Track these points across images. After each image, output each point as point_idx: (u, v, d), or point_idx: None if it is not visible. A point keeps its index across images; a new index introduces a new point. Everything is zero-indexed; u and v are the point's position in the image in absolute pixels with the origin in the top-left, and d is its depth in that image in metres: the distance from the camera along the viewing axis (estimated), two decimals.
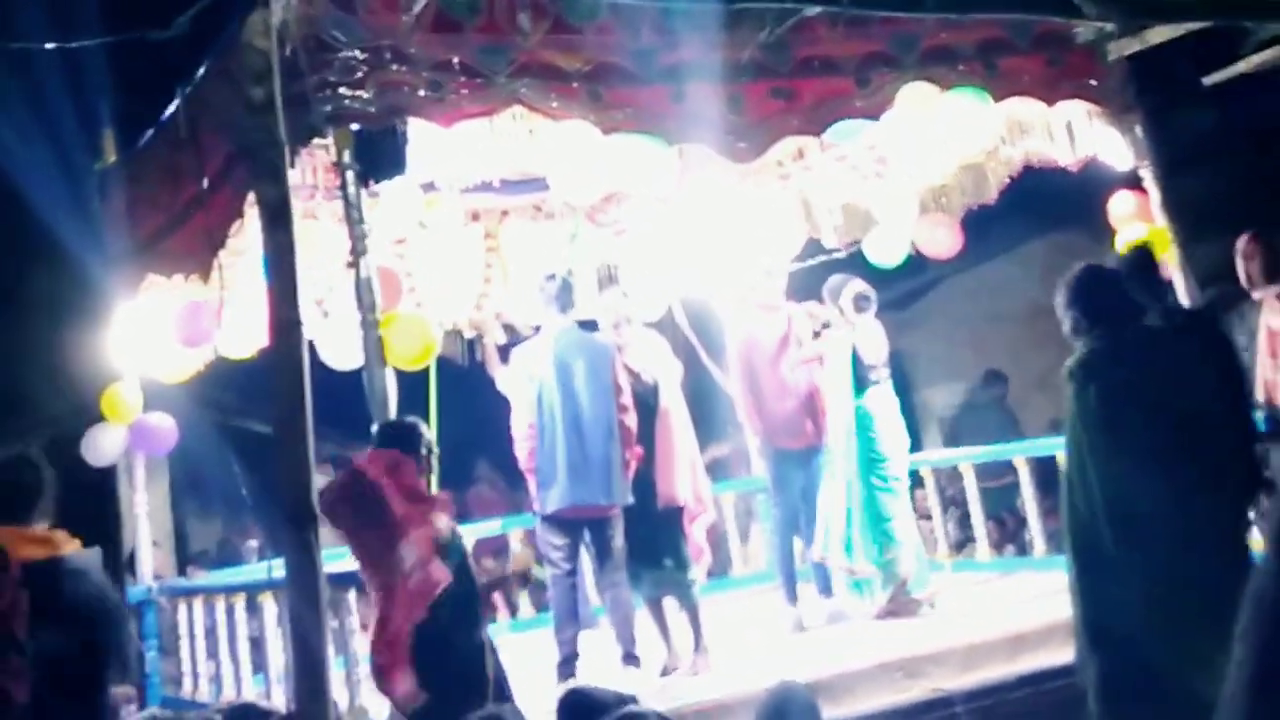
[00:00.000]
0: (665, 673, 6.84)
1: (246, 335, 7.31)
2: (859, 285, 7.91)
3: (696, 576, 7.23)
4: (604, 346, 7.03)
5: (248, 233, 6.03)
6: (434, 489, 5.62)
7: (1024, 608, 7.29)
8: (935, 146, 7.20)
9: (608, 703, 3.75)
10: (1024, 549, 9.38)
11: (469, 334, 9.01)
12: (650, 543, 6.97)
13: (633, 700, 3.89)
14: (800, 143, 8.20)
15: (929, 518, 9.22)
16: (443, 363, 8.32)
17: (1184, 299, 7.55)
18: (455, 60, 5.94)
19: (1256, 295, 7.14)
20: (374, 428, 5.56)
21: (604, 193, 7.67)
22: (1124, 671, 4.47)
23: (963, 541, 9.80)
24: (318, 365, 6.76)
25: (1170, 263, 7.50)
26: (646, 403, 7.15)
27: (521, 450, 6.97)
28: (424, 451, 5.43)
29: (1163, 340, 4.70)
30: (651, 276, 8.97)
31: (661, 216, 8.68)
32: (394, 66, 5.81)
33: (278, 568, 4.92)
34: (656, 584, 7.03)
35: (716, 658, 6.89)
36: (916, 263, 9.15)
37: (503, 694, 5.14)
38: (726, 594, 9.05)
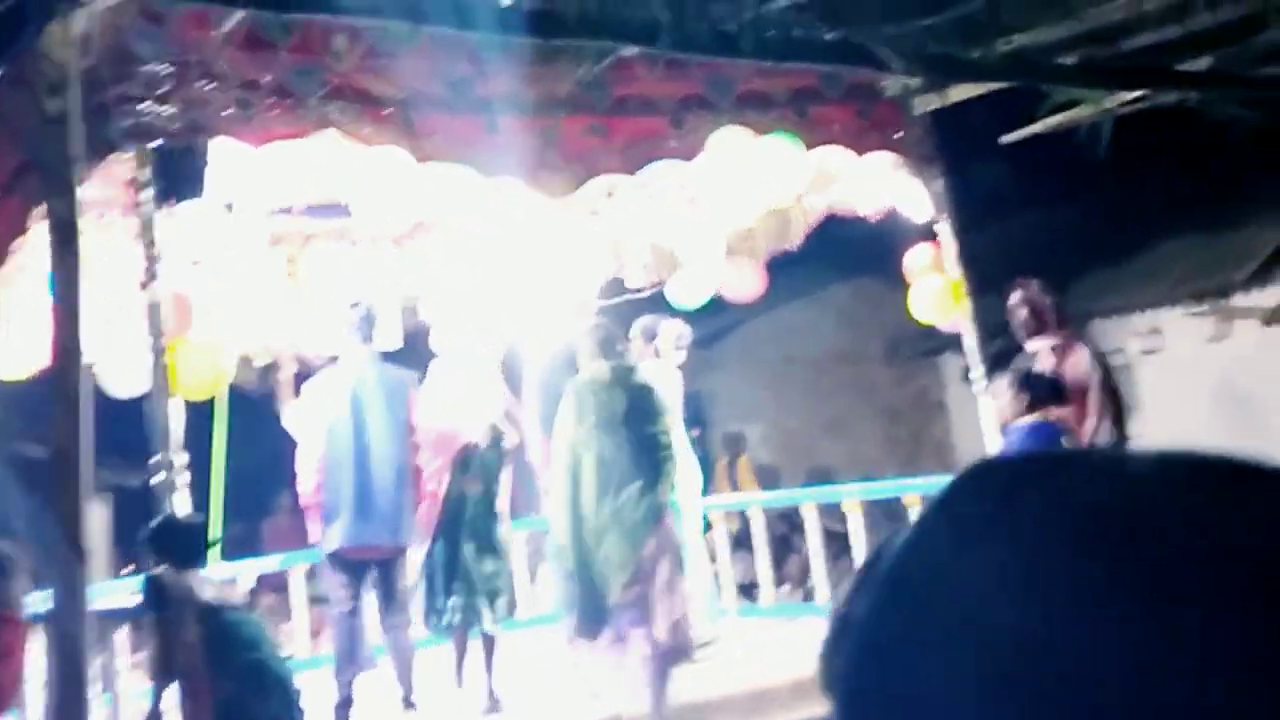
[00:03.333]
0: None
1: (23, 355, 6.91)
2: (679, 326, 8.07)
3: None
4: (402, 381, 6.85)
5: (30, 248, 5.71)
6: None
7: (808, 653, 7.31)
8: (746, 191, 7.27)
9: None
10: (809, 595, 9.46)
11: (263, 361, 8.67)
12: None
13: None
14: (611, 183, 8.18)
15: (714, 560, 9.21)
16: (236, 390, 8.01)
17: (973, 351, 7.77)
18: (266, 79, 5.76)
19: (1032, 347, 7.36)
20: (150, 528, 5.35)
21: (413, 221, 7.51)
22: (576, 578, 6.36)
23: (748, 585, 9.84)
24: (97, 389, 6.43)
25: (964, 313, 7.74)
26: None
27: (305, 483, 6.73)
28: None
29: (626, 376, 6.58)
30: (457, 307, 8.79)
31: (470, 248, 8.55)
32: (201, 83, 5.60)
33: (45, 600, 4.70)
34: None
35: (504, 700, 6.78)
36: (717, 304, 9.23)
37: None
38: (513, 635, 8.87)
